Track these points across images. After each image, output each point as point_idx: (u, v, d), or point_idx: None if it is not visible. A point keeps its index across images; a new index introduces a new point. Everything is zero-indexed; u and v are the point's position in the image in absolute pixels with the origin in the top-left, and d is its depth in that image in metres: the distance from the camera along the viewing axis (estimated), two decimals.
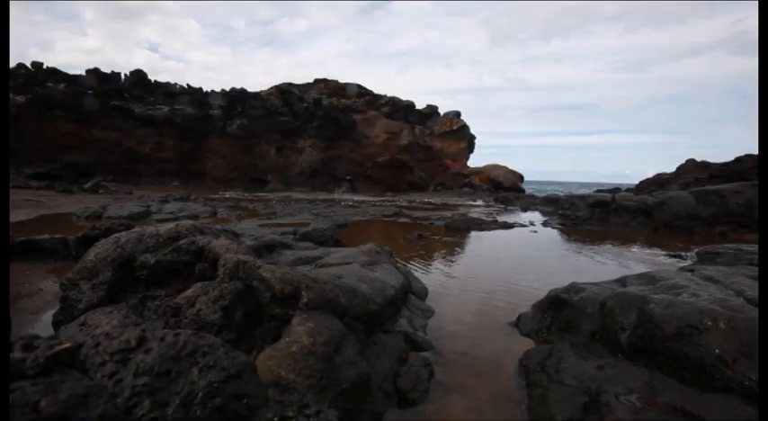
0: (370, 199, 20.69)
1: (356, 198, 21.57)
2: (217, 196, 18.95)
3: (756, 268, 3.29)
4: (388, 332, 2.69)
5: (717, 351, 2.00)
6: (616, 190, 16.39)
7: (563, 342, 2.79)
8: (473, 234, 8.89)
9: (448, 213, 13.03)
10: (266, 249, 4.14)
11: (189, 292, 2.21)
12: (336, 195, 24.43)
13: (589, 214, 11.02)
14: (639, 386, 2.06)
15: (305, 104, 29.55)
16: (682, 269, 3.74)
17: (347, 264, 3.36)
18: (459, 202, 19.98)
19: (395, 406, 2.13)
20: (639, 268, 5.37)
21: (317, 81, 32.44)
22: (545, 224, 10.92)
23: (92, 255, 2.57)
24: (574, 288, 3.20)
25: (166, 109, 27.97)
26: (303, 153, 29.73)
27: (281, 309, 2.09)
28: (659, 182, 16.23)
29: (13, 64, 25.23)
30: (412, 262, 5.57)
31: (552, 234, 9.37)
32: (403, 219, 11.37)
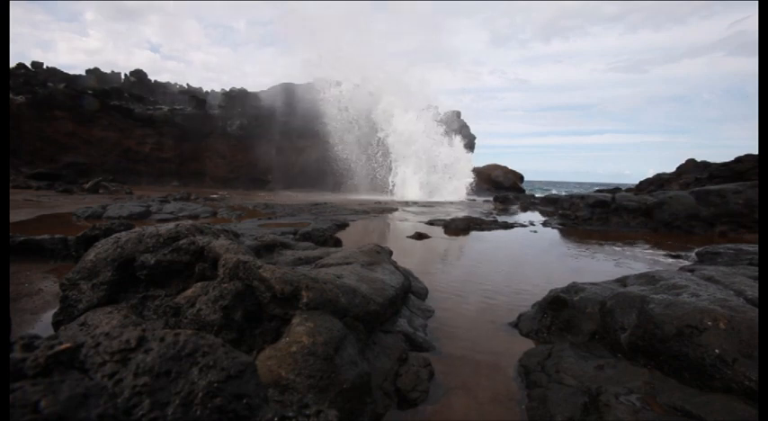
0: (372, 198, 20.69)
1: (357, 197, 21.56)
2: (217, 196, 18.95)
3: (756, 268, 3.29)
4: (389, 332, 2.69)
5: (717, 351, 2.00)
6: (616, 190, 16.37)
7: (563, 342, 2.79)
8: (473, 234, 8.89)
9: (448, 213, 13.02)
10: (266, 249, 4.14)
11: (189, 292, 2.21)
12: (338, 195, 24.40)
13: (589, 214, 11.02)
14: (639, 386, 2.06)
15: (305, 104, 29.57)
16: (682, 269, 3.74)
17: (347, 264, 3.36)
18: (459, 202, 19.97)
19: (395, 406, 2.13)
20: (639, 268, 5.37)
21: (317, 81, 32.44)
22: (545, 224, 10.92)
23: (92, 255, 2.57)
24: (574, 288, 3.20)
25: (166, 109, 28.01)
26: (303, 153, 29.75)
27: (281, 309, 2.09)
28: (659, 182, 16.21)
29: (13, 64, 25.25)
30: (412, 262, 5.57)
31: (552, 234, 9.37)
32: (403, 219, 11.38)
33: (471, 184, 26.29)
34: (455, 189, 24.99)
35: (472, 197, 24.40)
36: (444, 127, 28.14)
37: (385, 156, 27.59)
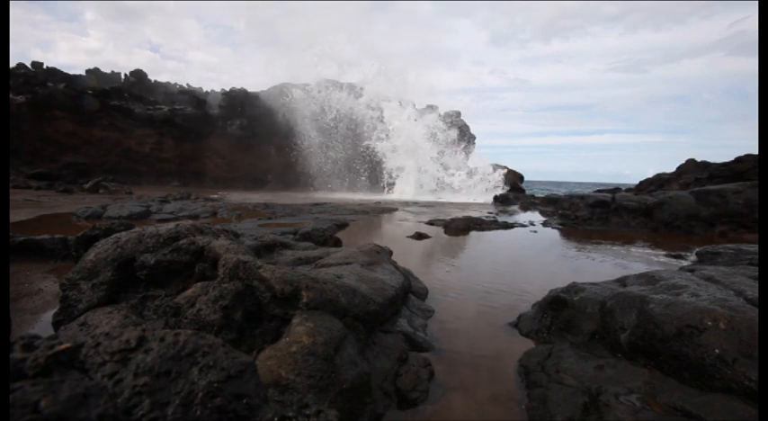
0: (372, 198, 20.68)
1: (357, 197, 21.55)
2: (217, 196, 18.95)
3: (756, 268, 3.29)
4: (388, 332, 2.69)
5: (717, 351, 2.00)
6: (616, 190, 16.36)
7: (563, 342, 2.79)
8: (473, 234, 8.88)
9: (448, 213, 13.02)
10: (266, 249, 4.14)
11: (189, 292, 2.21)
12: (338, 195, 24.24)
13: (589, 214, 11.01)
14: (639, 386, 2.06)
15: (305, 104, 29.54)
16: (682, 269, 3.74)
17: (347, 264, 3.36)
18: (459, 202, 19.96)
19: (395, 406, 2.12)
20: (639, 268, 5.37)
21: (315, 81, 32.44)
22: (545, 224, 10.91)
23: (92, 255, 2.57)
24: (574, 288, 3.20)
25: (166, 109, 28.00)
26: (303, 153, 29.75)
27: (281, 309, 2.09)
28: (659, 182, 16.21)
29: (13, 64, 25.26)
30: (412, 262, 5.57)
31: (552, 234, 9.36)
32: (403, 219, 11.38)
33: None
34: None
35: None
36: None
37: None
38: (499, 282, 4.67)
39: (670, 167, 18.20)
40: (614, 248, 7.41)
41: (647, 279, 3.18)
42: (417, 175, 22.89)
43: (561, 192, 29.34)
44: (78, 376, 0.88)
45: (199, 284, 2.25)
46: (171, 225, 2.78)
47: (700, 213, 9.90)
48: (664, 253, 6.95)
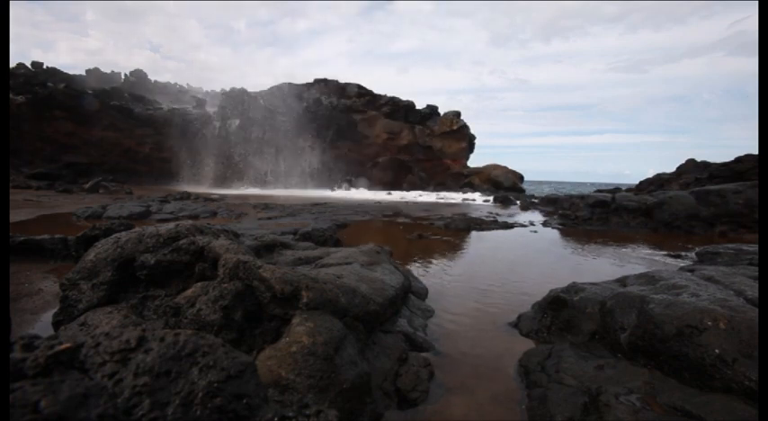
0: (371, 198, 20.67)
1: (357, 197, 21.54)
2: (216, 196, 18.94)
3: (756, 268, 3.29)
4: (388, 332, 2.69)
5: (717, 351, 2.00)
6: (616, 190, 16.38)
7: (563, 342, 2.79)
8: (473, 234, 8.89)
9: (448, 213, 13.02)
10: (266, 249, 4.14)
11: (189, 292, 2.21)
12: (336, 195, 24.24)
13: (589, 214, 11.02)
14: (639, 386, 2.06)
15: (305, 104, 29.56)
16: (682, 269, 3.74)
17: (347, 264, 3.36)
18: (459, 202, 19.96)
19: (395, 406, 2.12)
20: (639, 268, 5.37)
21: (317, 81, 32.46)
22: (545, 224, 10.92)
23: (92, 255, 2.57)
24: (574, 288, 3.20)
25: (166, 109, 28.00)
26: (303, 153, 29.77)
27: (281, 309, 2.09)
28: (659, 182, 16.23)
29: (13, 64, 25.25)
30: (412, 262, 5.57)
31: (552, 234, 9.36)
32: (403, 219, 11.37)
33: (471, 184, 24.77)
34: (455, 189, 23.67)
35: (472, 196, 23.74)
36: (444, 127, 26.43)
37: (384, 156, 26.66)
38: (499, 282, 4.67)
39: (670, 167, 18.25)
40: (614, 248, 7.41)
41: (647, 279, 3.18)
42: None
43: (561, 192, 29.36)
44: (78, 376, 0.88)
45: (199, 284, 2.25)
46: (171, 225, 2.77)
47: (700, 213, 9.90)
48: (664, 253, 6.95)
